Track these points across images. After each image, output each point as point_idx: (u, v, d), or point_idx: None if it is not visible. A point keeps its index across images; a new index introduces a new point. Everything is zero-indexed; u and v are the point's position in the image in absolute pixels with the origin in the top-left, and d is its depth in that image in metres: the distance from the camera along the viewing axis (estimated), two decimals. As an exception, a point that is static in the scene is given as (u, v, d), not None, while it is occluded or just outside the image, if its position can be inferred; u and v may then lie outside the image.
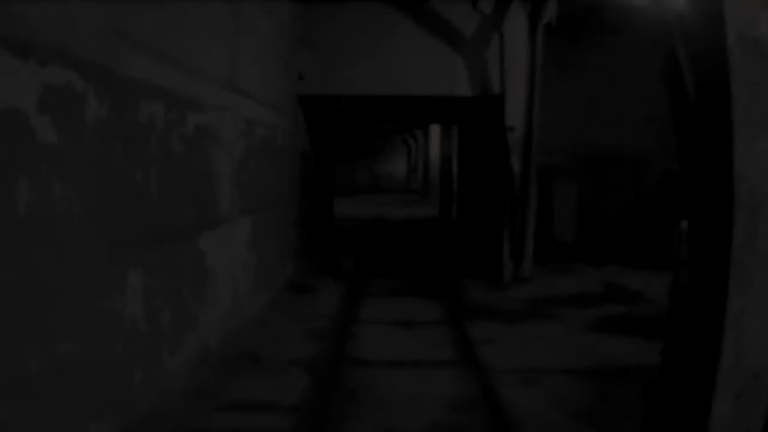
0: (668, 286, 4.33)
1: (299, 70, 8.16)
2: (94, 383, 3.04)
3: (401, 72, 8.31)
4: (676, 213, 9.86)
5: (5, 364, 2.38)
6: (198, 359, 4.48)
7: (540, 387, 4.58)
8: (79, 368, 2.89)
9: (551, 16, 7.91)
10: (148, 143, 3.57)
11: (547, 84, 8.31)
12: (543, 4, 7.81)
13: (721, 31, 2.82)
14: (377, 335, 5.87)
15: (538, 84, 7.97)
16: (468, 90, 8.28)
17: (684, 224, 4.18)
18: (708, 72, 3.04)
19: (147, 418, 3.61)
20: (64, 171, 2.71)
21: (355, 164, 34.41)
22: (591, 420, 4.03)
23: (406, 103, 10.31)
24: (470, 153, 11.63)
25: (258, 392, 4.35)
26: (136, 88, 3.38)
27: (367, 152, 34.87)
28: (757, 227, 2.84)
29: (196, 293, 4.45)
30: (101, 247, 3.07)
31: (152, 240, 3.65)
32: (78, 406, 2.91)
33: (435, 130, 22.75)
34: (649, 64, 10.24)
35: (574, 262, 9.72)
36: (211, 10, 4.62)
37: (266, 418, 3.97)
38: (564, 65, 9.71)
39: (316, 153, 9.81)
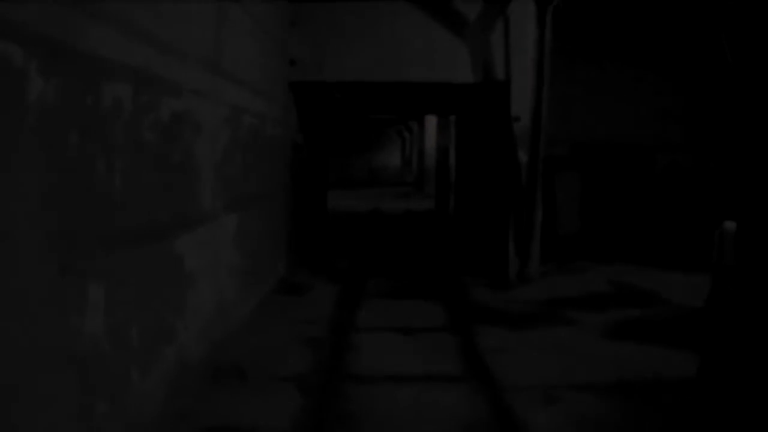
0: (708, 293, 3.84)
1: (291, 56, 7.61)
2: (41, 424, 2.51)
3: (400, 58, 7.77)
4: (686, 208, 9.44)
5: None
6: (176, 378, 3.96)
7: (560, 405, 4.09)
8: (19, 407, 2.36)
9: (559, -2, 7.38)
10: (113, 131, 3.03)
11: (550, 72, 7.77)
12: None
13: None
14: (376, 344, 5.35)
15: (547, 71, 7.43)
16: (470, 77, 7.75)
17: (729, 225, 3.69)
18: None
19: (112, 455, 3.08)
20: (-4, 165, 2.17)
21: (349, 156, 33.89)
22: (622, 447, 3.56)
23: (405, 90, 9.78)
24: (470, 144, 11.10)
25: (244, 415, 3.84)
26: (96, 66, 2.84)
27: (361, 144, 34.37)
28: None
29: (172, 302, 3.92)
30: (50, 255, 2.53)
31: (117, 244, 3.11)
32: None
33: (431, 122, 22.21)
34: (658, 53, 9.85)
35: (578, 259, 9.28)
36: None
37: (252, 448, 3.47)
38: (567, 53, 9.23)
39: (309, 144, 9.28)
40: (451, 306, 6.69)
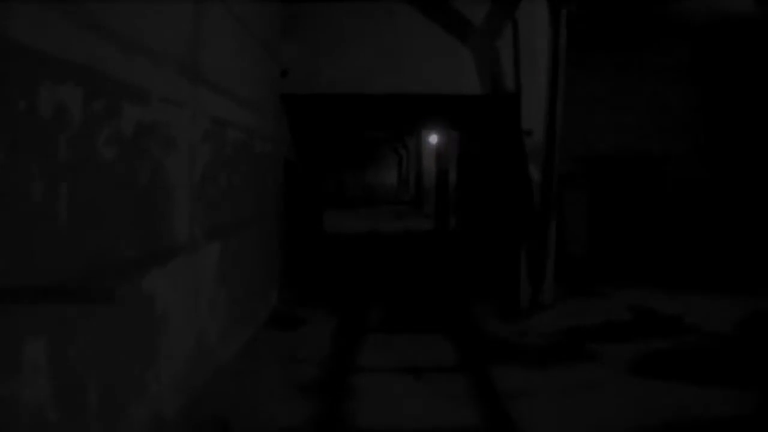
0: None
1: (283, 66, 7.01)
2: None
3: (400, 69, 7.18)
4: (701, 224, 8.88)
5: None
6: (146, 440, 3.31)
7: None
8: None
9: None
10: (56, 146, 2.41)
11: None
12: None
13: None
14: (380, 389, 4.69)
15: (562, 80, 6.83)
16: (477, 88, 7.16)
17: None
18: None
19: None
20: None
21: (344, 174, 33.33)
22: None
23: (405, 103, 9.14)
24: (475, 161, 10.50)
25: (226, 487, 3.20)
26: (32, 62, 2.23)
27: (356, 162, 33.81)
28: None
29: (141, 350, 3.28)
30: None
31: (63, 287, 2.48)
32: None
33: (429, 137, 21.65)
34: (670, 63, 9.32)
35: (590, 282, 8.69)
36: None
37: None
38: (573, 63, 8.68)
39: (303, 161, 8.68)
40: (461, 340, 6.05)
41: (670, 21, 8.62)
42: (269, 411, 4.16)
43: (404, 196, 32.06)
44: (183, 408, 3.83)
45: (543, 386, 4.77)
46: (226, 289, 4.83)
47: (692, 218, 9.44)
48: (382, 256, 12.12)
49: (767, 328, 6.55)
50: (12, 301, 2.14)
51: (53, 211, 2.39)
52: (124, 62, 2.93)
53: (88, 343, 2.69)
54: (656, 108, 9.39)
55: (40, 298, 2.32)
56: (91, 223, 2.67)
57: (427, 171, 22.83)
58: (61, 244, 2.45)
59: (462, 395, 4.57)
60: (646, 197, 9.45)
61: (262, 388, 4.61)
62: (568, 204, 9.27)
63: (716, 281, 8.56)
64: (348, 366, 5.21)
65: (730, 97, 9.32)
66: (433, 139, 19.42)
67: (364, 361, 5.36)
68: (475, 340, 6.05)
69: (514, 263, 7.35)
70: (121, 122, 2.91)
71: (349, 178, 33.76)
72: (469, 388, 4.74)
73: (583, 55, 8.75)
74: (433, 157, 19.71)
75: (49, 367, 2.40)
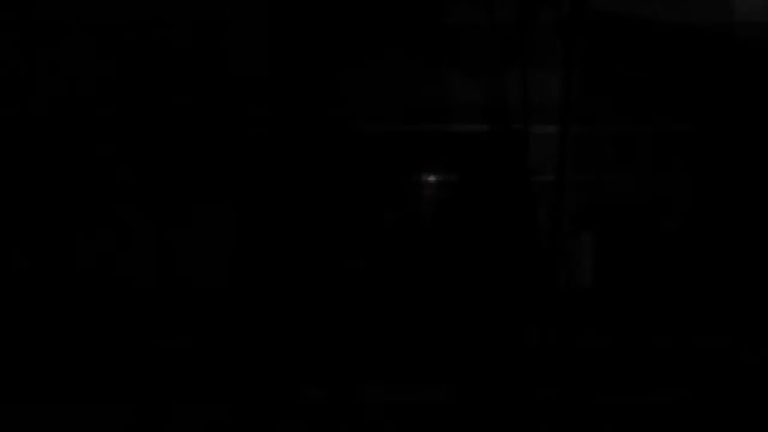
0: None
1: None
2: None
3: (402, 102, 6.99)
4: (705, 261, 8.71)
5: None
6: None
7: None
8: None
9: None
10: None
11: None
12: (581, 14, 6.51)
13: None
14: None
15: (573, 117, 6.64)
16: (482, 124, 6.98)
17: None
18: None
19: None
20: None
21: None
22: None
23: (407, 140, 8.95)
24: (476, 202, 10.29)
25: None
26: None
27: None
28: None
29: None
30: None
31: None
32: None
33: (429, 177, 21.57)
34: (668, 98, 9.15)
35: (596, 325, 8.43)
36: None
37: None
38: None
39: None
40: (469, 392, 5.73)
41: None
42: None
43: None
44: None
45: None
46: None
47: (700, 259, 9.28)
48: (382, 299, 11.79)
49: None
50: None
51: None
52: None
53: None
54: (663, 143, 9.24)
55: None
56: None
57: (426, 212, 22.71)
58: None
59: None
60: (649, 243, 9.31)
61: None
62: (575, 245, 9.10)
63: (722, 323, 8.34)
64: None
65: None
66: (432, 178, 19.31)
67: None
68: (483, 392, 5.75)
69: (520, 309, 7.08)
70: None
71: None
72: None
73: (594, 89, 8.62)
74: (432, 197, 19.56)
75: None
